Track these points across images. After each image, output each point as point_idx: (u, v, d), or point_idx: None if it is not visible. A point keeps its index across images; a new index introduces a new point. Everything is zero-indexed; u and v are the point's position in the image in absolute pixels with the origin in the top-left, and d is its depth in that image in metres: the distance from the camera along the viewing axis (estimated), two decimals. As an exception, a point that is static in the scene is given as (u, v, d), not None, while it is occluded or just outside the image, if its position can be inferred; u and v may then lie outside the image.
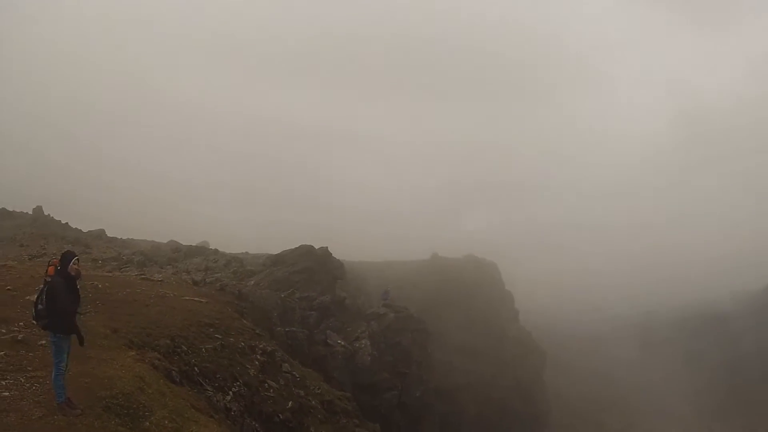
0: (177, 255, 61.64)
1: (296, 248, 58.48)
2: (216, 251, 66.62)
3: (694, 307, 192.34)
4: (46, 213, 73.45)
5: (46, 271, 13.14)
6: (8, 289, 22.54)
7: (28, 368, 15.12)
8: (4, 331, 17.43)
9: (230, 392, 22.32)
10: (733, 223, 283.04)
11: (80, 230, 70.44)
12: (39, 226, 66.20)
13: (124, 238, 72.98)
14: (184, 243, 70.24)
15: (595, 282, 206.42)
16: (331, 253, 60.06)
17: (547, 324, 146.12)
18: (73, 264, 13.04)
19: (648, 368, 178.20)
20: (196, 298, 30.37)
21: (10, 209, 74.95)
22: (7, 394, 13.36)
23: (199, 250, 64.97)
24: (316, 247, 58.82)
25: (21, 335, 17.06)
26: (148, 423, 14.20)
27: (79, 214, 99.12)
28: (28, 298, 19.79)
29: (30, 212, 73.85)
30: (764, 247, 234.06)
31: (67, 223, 71.47)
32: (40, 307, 12.76)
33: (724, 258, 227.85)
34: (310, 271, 55.03)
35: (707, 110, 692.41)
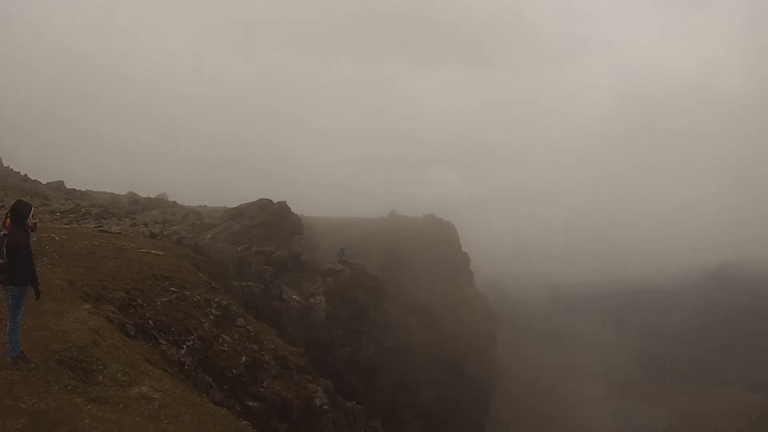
0: (135, 207, 61.38)
1: (255, 202, 58.46)
2: (174, 204, 66.40)
3: (646, 281, 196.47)
4: (5, 165, 72.25)
5: (4, 223, 13.00)
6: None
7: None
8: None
9: (184, 346, 22.47)
10: (690, 204, 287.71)
11: (39, 182, 69.31)
12: (-3, 178, 65.09)
13: (82, 189, 72.15)
14: (142, 195, 69.82)
15: (551, 250, 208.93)
16: (289, 208, 60.11)
17: (502, 287, 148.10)
18: (31, 217, 13.01)
19: (600, 335, 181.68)
20: (153, 251, 30.40)
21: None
22: (-42, 349, 13.39)
23: (158, 203, 64.71)
24: (275, 201, 58.82)
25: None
26: (101, 377, 14.24)
27: (38, 166, 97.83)
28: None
29: (-12, 164, 72.49)
30: (719, 228, 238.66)
31: (26, 174, 70.38)
32: (0, 261, 12.62)
33: (680, 236, 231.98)
34: (268, 226, 55.15)
35: (667, 93, 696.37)
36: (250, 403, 24.93)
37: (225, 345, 26.23)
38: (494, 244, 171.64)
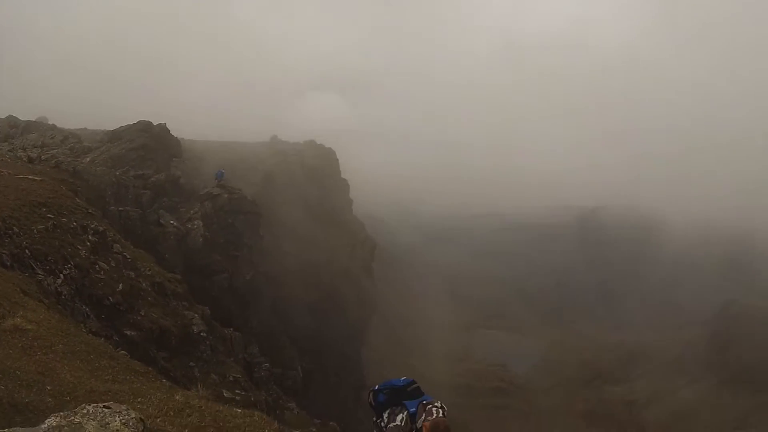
0: (14, 131, 59.14)
1: (134, 124, 57.08)
2: (53, 127, 64.16)
3: (521, 217, 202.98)
4: None
5: None
6: None
7: None
8: None
9: (61, 275, 22.04)
10: (567, 146, 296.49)
11: None
12: None
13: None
14: (22, 118, 67.29)
15: (425, 185, 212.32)
16: (169, 130, 59.04)
17: (378, 216, 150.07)
18: None
19: (472, 267, 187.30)
20: (30, 177, 29.47)
21: None
22: None
23: (37, 126, 62.50)
24: (155, 123, 57.72)
25: None
26: (-25, 308, 14.07)
27: None
28: None
29: None
30: (595, 170, 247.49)
31: None
32: None
33: (557, 177, 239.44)
34: (147, 149, 54.07)
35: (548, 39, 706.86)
36: (128, 332, 24.74)
37: (102, 273, 25.82)
38: (373, 173, 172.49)
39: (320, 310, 75.70)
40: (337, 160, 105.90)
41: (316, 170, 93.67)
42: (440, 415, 8.83)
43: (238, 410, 10.31)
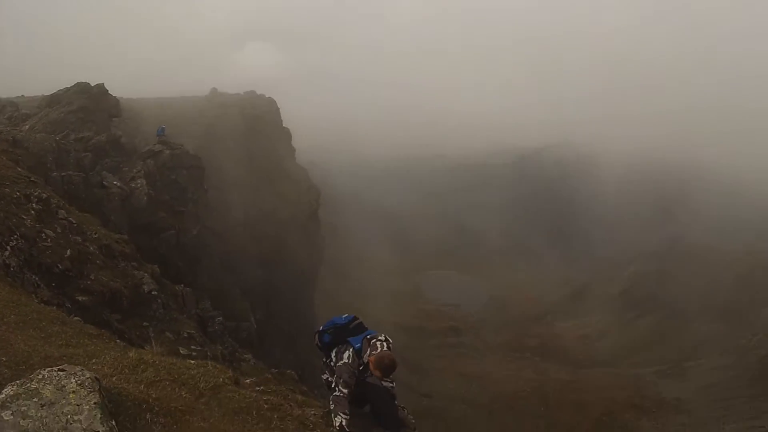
0: (-49, 103, 57.84)
1: (72, 87, 56.11)
2: (-10, 96, 62.93)
3: (465, 157, 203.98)
4: None
5: None
6: None
7: None
8: None
9: (8, 247, 21.96)
10: (511, 88, 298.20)
11: None
12: None
13: None
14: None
15: (372, 126, 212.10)
16: (107, 90, 58.16)
17: (322, 163, 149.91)
18: None
19: (420, 206, 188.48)
20: (-32, 149, 29.19)
21: None
22: None
23: (-27, 97, 61.11)
24: (93, 84, 56.85)
25: None
26: None
27: None
28: None
29: None
30: (539, 111, 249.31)
31: None
32: None
33: (501, 118, 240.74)
34: (86, 111, 53.29)
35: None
36: (80, 298, 24.75)
37: (48, 240, 25.71)
38: (315, 120, 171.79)
39: (269, 260, 75.87)
40: (278, 109, 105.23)
41: (257, 121, 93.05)
42: (384, 348, 9.37)
43: (192, 361, 10.38)
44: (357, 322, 10.04)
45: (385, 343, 9.44)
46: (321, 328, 10.32)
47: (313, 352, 55.75)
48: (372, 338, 9.53)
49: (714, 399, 78.66)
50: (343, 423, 8.94)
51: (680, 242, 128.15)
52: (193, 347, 29.46)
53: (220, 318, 43.53)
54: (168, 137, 61.11)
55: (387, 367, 9.25)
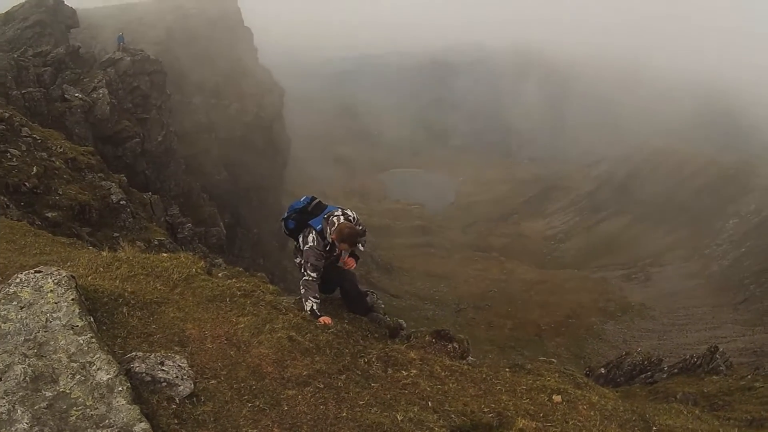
0: None
1: (26, 1, 55.00)
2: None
3: (427, 53, 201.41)
4: None
5: None
6: None
7: None
8: None
9: (-26, 170, 22.22)
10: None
11: None
12: None
13: None
14: None
15: (333, 25, 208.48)
16: (62, 1, 57.04)
17: (287, 62, 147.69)
18: None
19: (385, 104, 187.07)
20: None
21: None
22: None
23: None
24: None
25: None
26: None
27: None
28: None
29: None
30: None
31: None
32: None
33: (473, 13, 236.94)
34: (43, 24, 52.40)
35: None
36: (49, 214, 25.02)
37: (14, 159, 25.79)
38: (278, 18, 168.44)
39: (235, 162, 75.86)
40: (239, 9, 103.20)
41: (218, 21, 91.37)
42: (341, 220, 9.34)
43: (165, 254, 10.42)
44: (315, 202, 9.84)
45: (341, 216, 9.42)
46: (285, 214, 10.08)
47: (283, 254, 56.91)
48: (329, 215, 9.47)
49: (678, 306, 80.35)
50: (314, 307, 9.09)
51: (650, 147, 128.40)
52: (164, 254, 29.79)
53: (190, 224, 43.79)
54: (128, 44, 60.27)
55: (348, 236, 9.18)
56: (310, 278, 9.27)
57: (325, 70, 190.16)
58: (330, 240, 9.31)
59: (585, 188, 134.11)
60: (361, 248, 9.96)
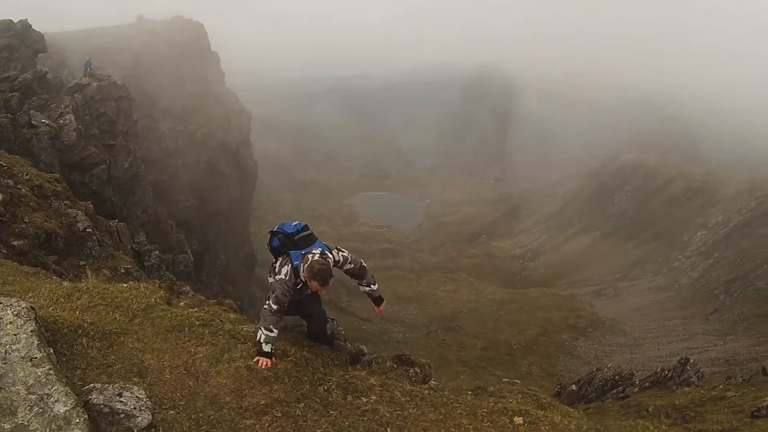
0: None
1: (-6, 25, 54.77)
2: None
3: (397, 76, 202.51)
4: None
5: None
6: None
7: None
8: None
9: (-61, 198, 22.11)
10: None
11: None
12: None
13: None
14: None
15: (308, 44, 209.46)
16: (31, 25, 56.78)
17: (254, 86, 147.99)
18: None
19: (353, 126, 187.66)
20: None
21: None
22: None
23: None
24: (16, 20, 55.40)
25: None
26: None
27: None
28: None
29: None
30: (479, 29, 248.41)
31: None
32: None
33: (440, 36, 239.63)
34: (11, 49, 52.10)
35: None
36: (15, 242, 24.92)
37: (-21, 187, 25.79)
38: (245, 42, 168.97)
39: (203, 188, 75.78)
40: (206, 33, 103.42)
41: (185, 46, 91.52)
42: (315, 257, 8.75)
43: (125, 285, 10.45)
44: (304, 234, 9.31)
45: (317, 255, 8.82)
46: (275, 228, 9.62)
47: (251, 280, 56.75)
48: (307, 253, 8.90)
49: (649, 320, 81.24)
50: (262, 338, 8.74)
51: (618, 162, 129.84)
52: (131, 282, 29.63)
53: (157, 252, 43.55)
54: (96, 69, 60.12)
55: (317, 273, 8.54)
56: (269, 309, 8.89)
57: (292, 93, 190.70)
58: (303, 279, 8.88)
59: (552, 206, 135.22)
60: (366, 288, 9.85)
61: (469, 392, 9.84)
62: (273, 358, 8.77)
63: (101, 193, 48.19)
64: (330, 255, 9.09)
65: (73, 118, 48.78)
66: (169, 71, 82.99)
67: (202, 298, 16.69)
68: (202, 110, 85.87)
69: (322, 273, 8.55)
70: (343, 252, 9.39)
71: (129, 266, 31.11)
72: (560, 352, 75.23)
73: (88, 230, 30.91)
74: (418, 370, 10.27)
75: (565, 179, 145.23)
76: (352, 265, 9.46)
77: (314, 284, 8.66)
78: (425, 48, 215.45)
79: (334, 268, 9.04)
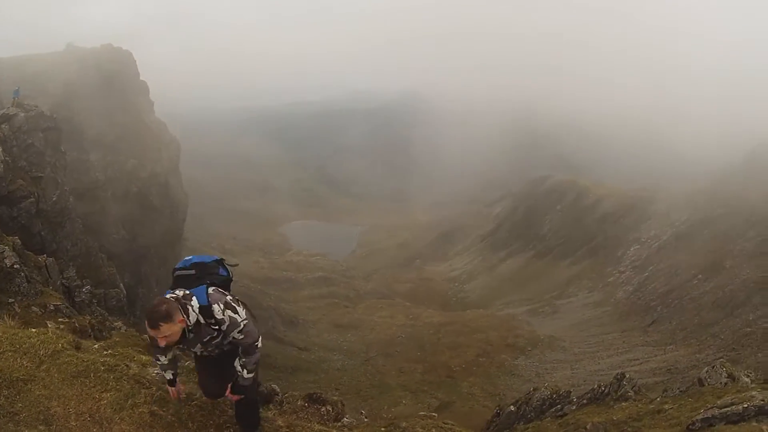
0: None
1: None
2: None
3: (326, 103, 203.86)
4: None
5: None
6: None
7: None
8: None
9: None
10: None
11: None
12: None
13: None
14: None
15: (238, 74, 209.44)
16: (-45, 57, 55.84)
17: (184, 115, 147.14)
18: None
19: (284, 155, 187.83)
20: None
21: None
22: None
23: None
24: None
25: None
26: None
27: None
28: None
29: None
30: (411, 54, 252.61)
31: None
32: None
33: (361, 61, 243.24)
34: (-65, 80, 50.86)
35: None
36: (-58, 282, 24.25)
37: None
38: (174, 70, 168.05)
39: (133, 220, 74.83)
40: (135, 61, 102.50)
41: (114, 75, 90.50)
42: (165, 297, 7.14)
43: (33, 330, 10.43)
44: (183, 273, 7.74)
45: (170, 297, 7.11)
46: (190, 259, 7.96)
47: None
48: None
49: (588, 335, 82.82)
50: (158, 369, 8.38)
51: (546, 181, 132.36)
52: (61, 320, 28.83)
53: (88, 286, 42.65)
54: (24, 98, 58.85)
55: (146, 316, 6.81)
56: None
57: (222, 122, 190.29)
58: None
59: (486, 227, 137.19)
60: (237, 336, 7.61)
61: (383, 429, 10.01)
62: (177, 385, 8.17)
63: (29, 227, 46.86)
64: (192, 305, 7.15)
65: (0, 149, 47.60)
66: (98, 100, 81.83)
67: (117, 339, 16.37)
68: (131, 140, 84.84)
69: (149, 314, 6.82)
70: (237, 315, 7.43)
71: (59, 302, 30.31)
72: (501, 371, 76.02)
73: (15, 266, 30.02)
74: (329, 408, 10.43)
75: (495, 201, 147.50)
76: (242, 337, 7.56)
77: (151, 332, 6.94)
78: (353, 76, 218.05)
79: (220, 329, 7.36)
